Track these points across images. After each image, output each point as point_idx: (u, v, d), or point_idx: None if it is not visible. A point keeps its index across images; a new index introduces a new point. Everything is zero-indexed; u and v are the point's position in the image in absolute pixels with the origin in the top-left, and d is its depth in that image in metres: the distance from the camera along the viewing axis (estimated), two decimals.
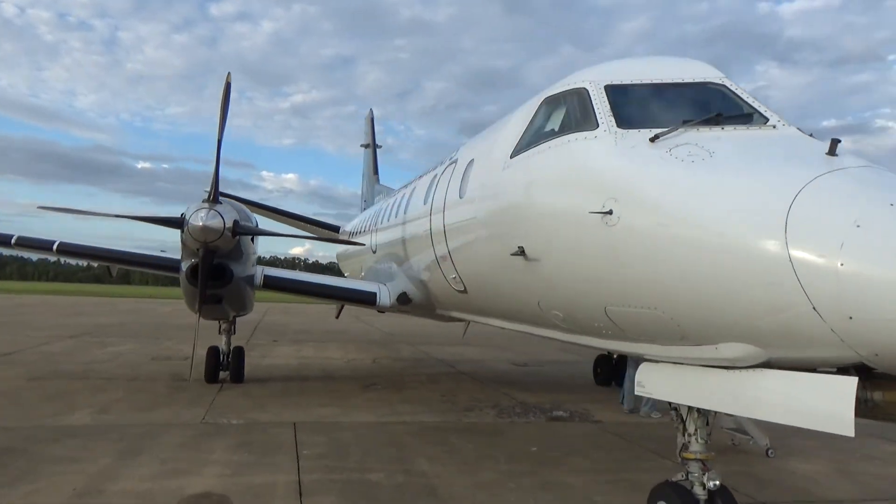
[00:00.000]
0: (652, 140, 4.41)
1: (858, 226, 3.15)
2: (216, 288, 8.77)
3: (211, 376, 11.59)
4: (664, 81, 5.08)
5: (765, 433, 8.08)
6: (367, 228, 13.94)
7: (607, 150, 4.59)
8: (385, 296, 10.85)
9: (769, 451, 8.08)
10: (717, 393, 4.18)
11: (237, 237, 8.56)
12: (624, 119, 4.79)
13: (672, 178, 4.02)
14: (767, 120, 4.54)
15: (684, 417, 5.02)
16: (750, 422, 8.05)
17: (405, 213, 9.97)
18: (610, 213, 4.23)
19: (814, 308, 3.24)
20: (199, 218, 8.15)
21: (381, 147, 23.56)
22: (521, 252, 5.35)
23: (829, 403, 3.54)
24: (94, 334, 20.80)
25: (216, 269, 8.62)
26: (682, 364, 4.52)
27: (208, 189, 8.68)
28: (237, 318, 11.84)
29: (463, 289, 7.64)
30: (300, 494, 5.85)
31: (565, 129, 5.23)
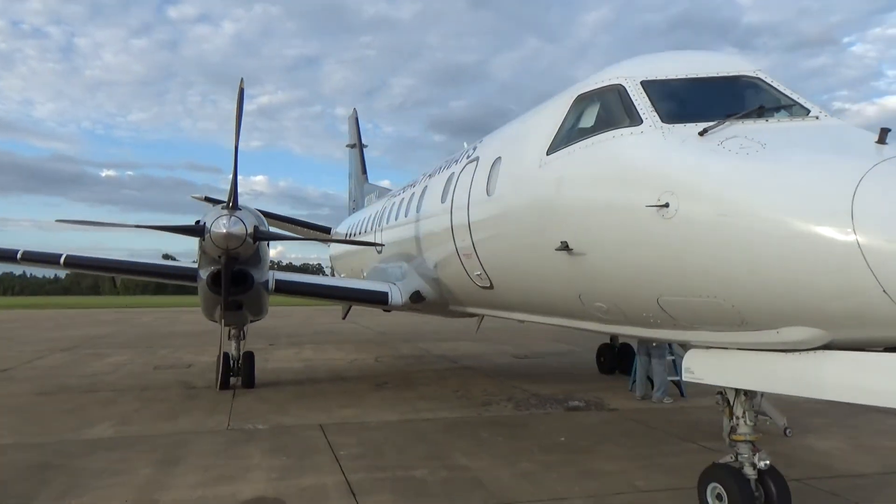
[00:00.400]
0: (701, 134, 4.57)
1: None
2: (237, 294, 8.76)
3: (223, 383, 11.54)
4: (699, 76, 5.25)
5: (782, 414, 8.34)
6: (368, 229, 13.96)
7: (657, 144, 4.74)
8: (397, 295, 10.92)
9: (787, 431, 8.32)
10: (776, 376, 4.35)
11: (257, 243, 8.56)
12: (667, 114, 4.94)
13: (730, 170, 4.17)
14: (809, 111, 4.73)
15: (731, 401, 5.21)
16: (769, 404, 8.30)
17: (418, 211, 10.04)
18: (666, 206, 4.38)
19: (884, 291, 3.42)
20: (222, 225, 8.15)
21: (367, 146, 23.54)
22: (565, 247, 5.48)
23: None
24: (86, 346, 20.48)
25: (237, 276, 8.62)
26: (733, 349, 4.70)
27: (221, 198, 8.66)
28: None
29: (488, 285, 7.76)
30: (353, 494, 5.93)
31: (604, 125, 5.37)
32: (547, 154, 5.92)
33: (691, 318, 4.71)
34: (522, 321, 7.91)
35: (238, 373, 11.80)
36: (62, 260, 10.26)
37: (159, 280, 11.93)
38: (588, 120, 5.71)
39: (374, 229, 13.20)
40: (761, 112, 4.69)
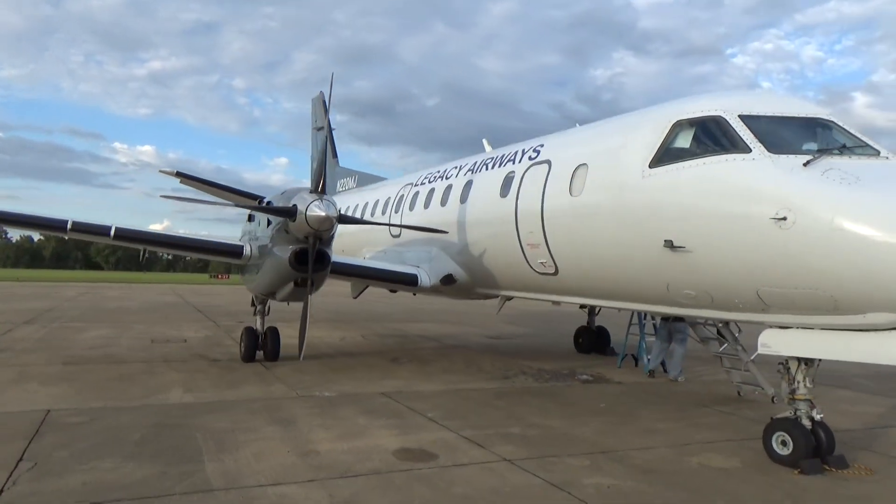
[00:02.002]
0: (805, 164, 5.98)
1: None
2: (316, 271, 9.46)
3: (249, 356, 12.09)
4: (786, 115, 6.68)
5: (770, 384, 10.10)
6: (378, 213, 14.73)
7: (770, 170, 6.10)
8: (425, 278, 11.89)
9: (774, 399, 10.10)
10: (853, 348, 5.86)
11: (336, 226, 9.32)
12: (770, 145, 6.32)
13: (839, 195, 5.59)
14: (879, 152, 6.25)
15: (792, 371, 6.72)
16: (761, 375, 10.05)
17: (463, 202, 11.02)
18: (784, 219, 5.76)
19: None
20: (318, 208, 8.89)
21: (332, 131, 23.86)
22: (670, 244, 6.78)
23: None
24: (49, 319, 19.97)
25: (317, 255, 9.33)
26: (811, 328, 6.18)
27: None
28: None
29: (553, 271, 8.96)
30: (480, 446, 6.98)
31: (711, 149, 6.69)
32: (650, 167, 7.18)
33: (786, 304, 6.13)
34: (580, 304, 9.12)
35: (261, 347, 12.34)
36: (112, 232, 10.44)
37: (204, 256, 12.22)
38: (686, 142, 7.01)
39: (389, 214, 13.99)
40: (843, 150, 6.17)
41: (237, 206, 9.98)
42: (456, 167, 12.23)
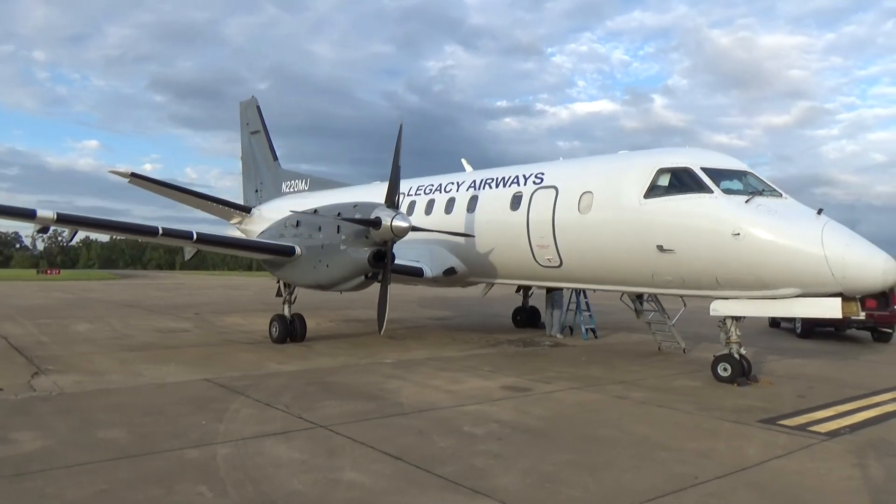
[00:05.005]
0: (746, 201, 10.15)
1: (847, 245, 9.31)
2: (382, 269, 12.34)
3: (281, 338, 14.51)
4: (728, 168, 10.90)
5: (683, 340, 14.59)
6: None
7: (725, 205, 10.20)
8: (428, 270, 15.05)
9: (685, 350, 14.62)
10: (771, 309, 10.16)
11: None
12: (722, 188, 10.45)
13: (768, 221, 9.80)
14: (781, 194, 10.57)
15: (728, 325, 10.93)
16: (678, 334, 14.50)
17: (470, 212, 14.34)
18: (738, 234, 9.88)
19: (831, 273, 9.29)
20: (401, 220, 11.88)
21: (269, 135, 25.53)
22: (660, 248, 10.74)
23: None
24: (25, 317, 20.29)
25: (383, 255, 12.24)
26: (746, 299, 10.41)
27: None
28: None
29: (558, 265, 12.66)
30: (547, 382, 10.48)
31: (684, 188, 10.70)
32: (644, 197, 11.07)
33: (733, 284, 10.29)
34: (519, 288, 12.75)
35: (290, 331, 14.79)
36: (194, 237, 12.39)
37: (258, 255, 14.26)
38: (667, 182, 10.99)
39: None
40: (763, 192, 10.44)
41: (336, 218, 12.41)
42: (453, 182, 15.53)
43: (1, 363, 11.48)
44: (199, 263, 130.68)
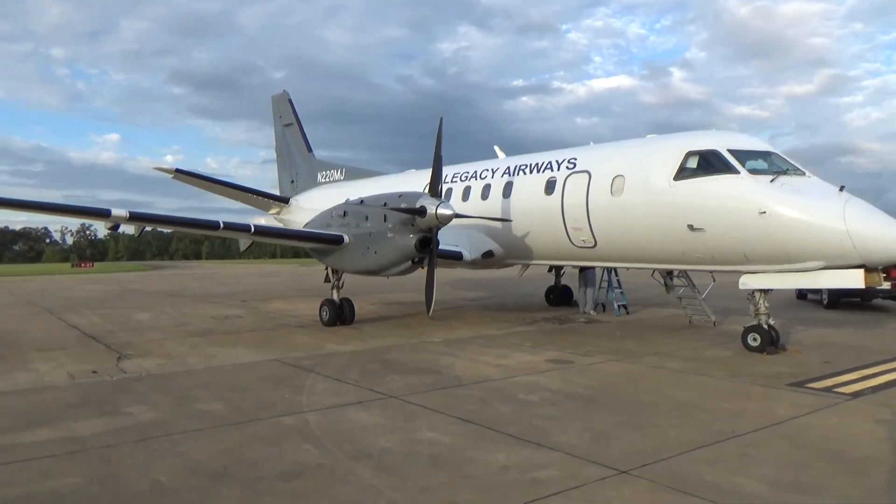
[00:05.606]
0: (771, 181, 10.79)
1: (868, 219, 9.94)
2: (427, 254, 13.19)
3: (332, 322, 15.47)
4: (753, 149, 11.52)
5: (713, 314, 15.27)
6: None
7: (752, 184, 10.85)
8: (467, 254, 15.87)
9: (714, 323, 15.31)
10: (797, 281, 10.85)
11: None
12: (748, 169, 11.10)
13: (792, 199, 10.44)
14: (805, 173, 11.19)
15: (757, 298, 11.61)
16: (708, 308, 15.17)
17: (506, 197, 15.12)
18: (765, 212, 10.54)
19: (854, 246, 9.93)
20: (446, 208, 12.68)
21: (302, 127, 26.42)
22: (691, 227, 11.43)
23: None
24: (84, 308, 21.50)
25: (429, 242, 13.09)
26: (771, 273, 11.07)
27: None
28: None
29: (593, 245, 13.39)
30: (585, 356, 11.28)
31: (714, 170, 11.35)
32: (674, 179, 11.75)
33: (761, 259, 10.96)
34: (551, 268, 13.58)
35: (339, 314, 15.73)
36: (252, 230, 13.38)
37: (308, 245, 15.21)
38: (695, 164, 11.64)
39: None
40: (787, 171, 11.06)
41: (389, 208, 13.27)
42: (488, 169, 16.29)
43: (84, 350, 12.57)
44: (225, 252, 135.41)
